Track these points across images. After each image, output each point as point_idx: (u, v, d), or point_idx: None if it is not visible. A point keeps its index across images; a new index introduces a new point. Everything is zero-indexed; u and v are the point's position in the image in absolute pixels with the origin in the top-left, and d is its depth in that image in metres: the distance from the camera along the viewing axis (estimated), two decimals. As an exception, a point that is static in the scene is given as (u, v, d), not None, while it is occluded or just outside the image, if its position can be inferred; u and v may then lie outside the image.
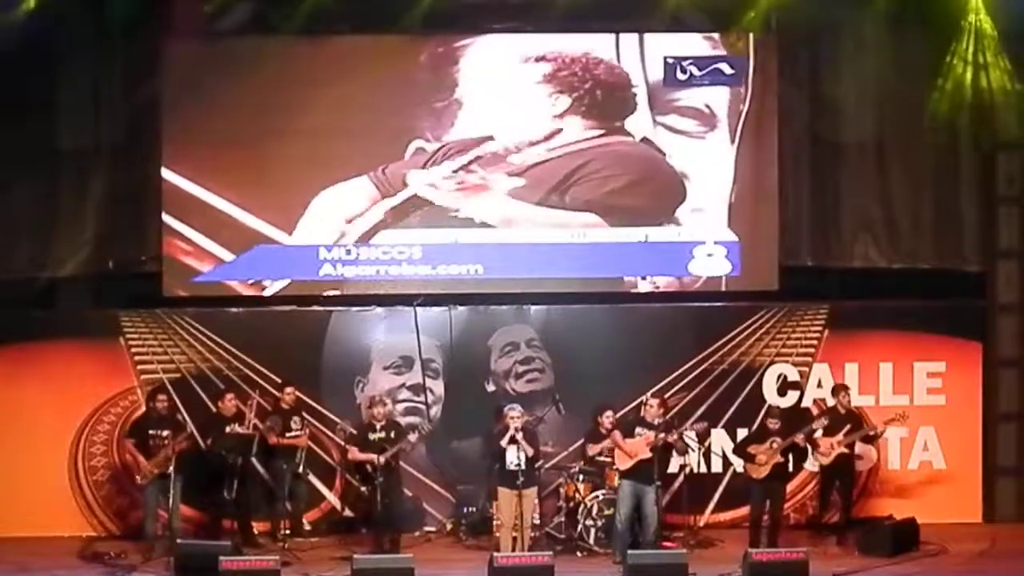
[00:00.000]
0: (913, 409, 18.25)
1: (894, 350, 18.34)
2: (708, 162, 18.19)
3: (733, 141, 18.17)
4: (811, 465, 17.13)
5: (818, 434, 16.73)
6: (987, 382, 18.39)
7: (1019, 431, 18.41)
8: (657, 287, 18.25)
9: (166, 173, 17.93)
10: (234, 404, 17.12)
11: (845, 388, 17.44)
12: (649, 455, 16.42)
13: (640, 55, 18.13)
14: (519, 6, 17.95)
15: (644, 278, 18.28)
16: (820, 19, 18.21)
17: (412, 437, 16.75)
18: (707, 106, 18.18)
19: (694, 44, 18.18)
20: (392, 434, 16.68)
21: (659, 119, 18.13)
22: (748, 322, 18.28)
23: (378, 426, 16.71)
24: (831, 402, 17.47)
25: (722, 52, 18.16)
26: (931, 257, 18.48)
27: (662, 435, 16.36)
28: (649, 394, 16.98)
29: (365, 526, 17.23)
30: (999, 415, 18.39)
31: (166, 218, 17.95)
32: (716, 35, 18.14)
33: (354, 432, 17.08)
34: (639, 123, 18.11)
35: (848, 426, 16.99)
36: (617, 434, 16.55)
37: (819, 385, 18.11)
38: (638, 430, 16.51)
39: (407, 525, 17.35)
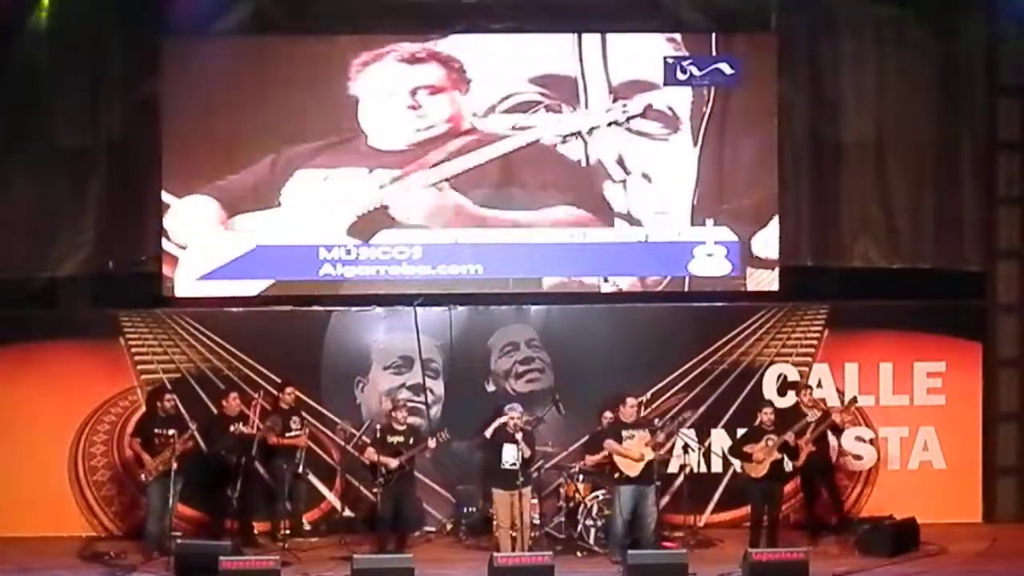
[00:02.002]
0: (913, 409, 18.31)
1: (894, 350, 18.35)
2: (670, 163, 18.22)
3: (696, 143, 18.17)
4: (787, 465, 17.08)
5: (789, 436, 16.73)
6: (987, 382, 18.39)
7: (1019, 431, 18.42)
8: (619, 288, 18.24)
9: (166, 172, 17.93)
10: (238, 404, 17.13)
11: (807, 387, 17.50)
12: (652, 455, 16.47)
13: (603, 57, 18.14)
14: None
15: (607, 279, 18.26)
16: (820, 19, 18.25)
17: (431, 443, 16.74)
18: (670, 108, 18.18)
19: (658, 45, 18.17)
20: (411, 439, 16.70)
21: (622, 121, 18.14)
22: (748, 322, 18.28)
23: (399, 429, 16.73)
24: (794, 400, 17.64)
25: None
26: (931, 257, 18.48)
27: (659, 432, 16.44)
28: (630, 396, 16.95)
29: (367, 526, 17.22)
30: (999, 415, 18.39)
31: (166, 218, 17.95)
32: (678, 35, 18.13)
33: (375, 431, 17.05)
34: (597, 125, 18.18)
35: (814, 424, 17.01)
36: (611, 443, 16.54)
37: (819, 385, 18.09)
38: (624, 433, 16.53)
39: (413, 528, 17.37)
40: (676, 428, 17.04)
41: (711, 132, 18.15)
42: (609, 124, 18.04)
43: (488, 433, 16.62)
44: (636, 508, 16.48)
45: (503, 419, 16.53)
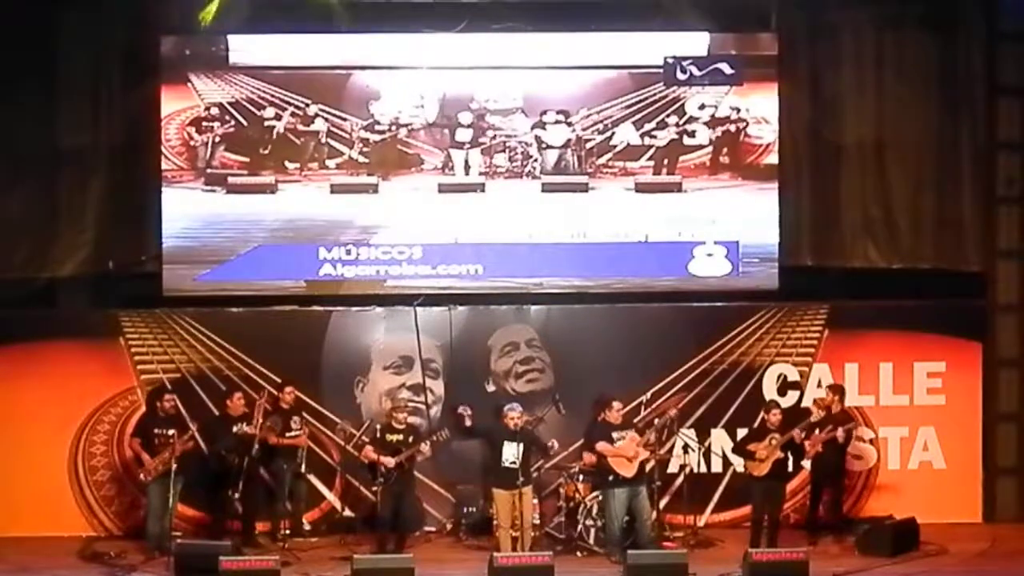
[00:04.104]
0: (913, 409, 18.31)
1: (894, 350, 18.35)
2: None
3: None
4: (790, 464, 17.05)
5: (795, 433, 16.73)
6: (987, 382, 18.39)
7: (1019, 431, 18.42)
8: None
9: (166, 173, 17.94)
10: (242, 404, 17.12)
11: (839, 389, 17.50)
12: (647, 455, 16.48)
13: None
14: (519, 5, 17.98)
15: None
16: (820, 19, 18.25)
17: (425, 447, 16.73)
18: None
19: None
20: (410, 439, 16.70)
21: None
22: (748, 322, 18.28)
23: (399, 428, 16.73)
24: (804, 400, 17.78)
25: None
26: (931, 257, 18.49)
27: (649, 432, 16.54)
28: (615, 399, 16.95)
29: (367, 526, 17.22)
30: (999, 415, 18.40)
31: (166, 218, 17.94)
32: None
33: (375, 430, 17.06)
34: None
35: (830, 426, 17.02)
36: (604, 445, 16.54)
37: (819, 385, 18.09)
38: (615, 435, 16.53)
39: (413, 527, 17.37)
40: (664, 426, 17.03)
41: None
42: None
43: (468, 423, 16.73)
44: (630, 508, 16.49)
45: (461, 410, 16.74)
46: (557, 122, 18.20)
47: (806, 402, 17.95)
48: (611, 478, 16.50)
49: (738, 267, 18.25)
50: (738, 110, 18.21)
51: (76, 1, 17.84)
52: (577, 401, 17.48)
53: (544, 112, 18.18)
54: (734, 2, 18.08)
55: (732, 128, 18.23)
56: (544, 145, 18.21)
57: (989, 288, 18.47)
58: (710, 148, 18.24)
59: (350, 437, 17.59)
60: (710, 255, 18.23)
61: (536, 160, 18.23)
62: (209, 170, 18.05)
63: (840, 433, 17.02)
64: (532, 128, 18.19)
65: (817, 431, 16.95)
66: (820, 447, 16.94)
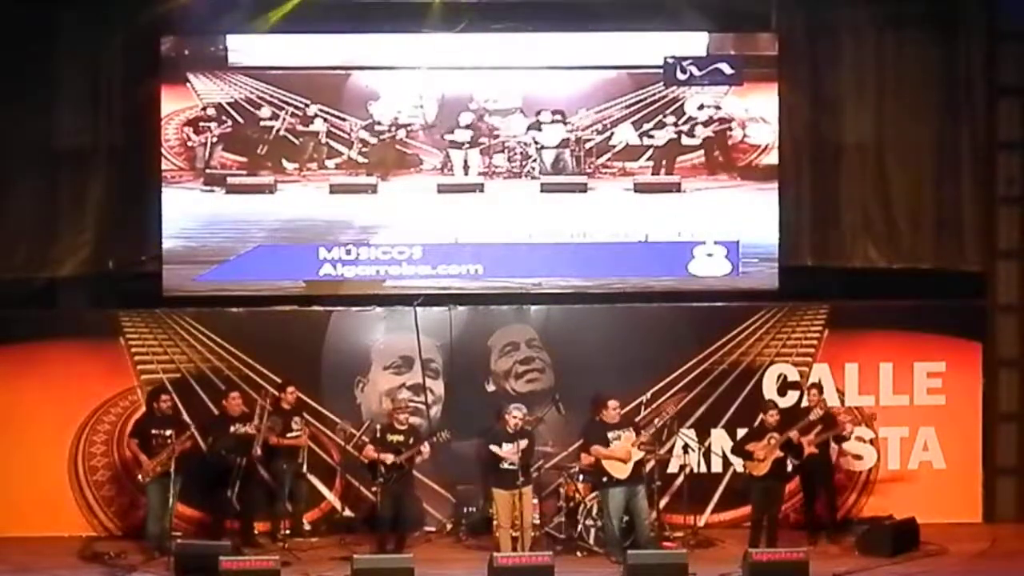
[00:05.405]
0: (913, 409, 18.31)
1: (894, 350, 18.34)
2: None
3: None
4: (789, 464, 17.08)
5: (793, 434, 16.73)
6: (987, 382, 18.39)
7: (1019, 431, 18.42)
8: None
9: (165, 173, 17.94)
10: (239, 404, 17.12)
11: (817, 387, 17.50)
12: (641, 455, 16.47)
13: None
14: (520, 4, 17.98)
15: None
16: (820, 19, 18.26)
17: (425, 449, 16.72)
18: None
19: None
20: (411, 439, 16.70)
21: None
22: (748, 322, 18.28)
23: (400, 428, 16.73)
24: (799, 398, 17.79)
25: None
26: (931, 257, 18.49)
27: (644, 431, 16.51)
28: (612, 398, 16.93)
29: (367, 526, 17.22)
30: (999, 415, 18.39)
31: (166, 218, 17.94)
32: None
33: (375, 430, 17.06)
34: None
35: (820, 427, 17.01)
36: (597, 448, 16.52)
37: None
38: (611, 435, 16.52)
39: (413, 527, 17.37)
40: (663, 426, 17.02)
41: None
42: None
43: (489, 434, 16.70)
44: (629, 508, 16.48)
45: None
46: (553, 122, 18.19)
47: (806, 402, 17.94)
48: (605, 479, 16.50)
49: (738, 267, 18.25)
50: (735, 110, 18.20)
51: (76, 1, 17.85)
52: (577, 401, 17.48)
53: (539, 112, 18.18)
54: (734, 2, 18.09)
55: (731, 128, 18.24)
56: (539, 146, 18.21)
57: (989, 288, 18.47)
58: (709, 148, 18.24)
59: (350, 437, 17.60)
60: (710, 255, 18.23)
61: (535, 160, 18.23)
62: (208, 170, 18.06)
63: (848, 428, 17.04)
64: (528, 129, 18.18)
65: (811, 433, 16.91)
66: (814, 448, 16.91)
